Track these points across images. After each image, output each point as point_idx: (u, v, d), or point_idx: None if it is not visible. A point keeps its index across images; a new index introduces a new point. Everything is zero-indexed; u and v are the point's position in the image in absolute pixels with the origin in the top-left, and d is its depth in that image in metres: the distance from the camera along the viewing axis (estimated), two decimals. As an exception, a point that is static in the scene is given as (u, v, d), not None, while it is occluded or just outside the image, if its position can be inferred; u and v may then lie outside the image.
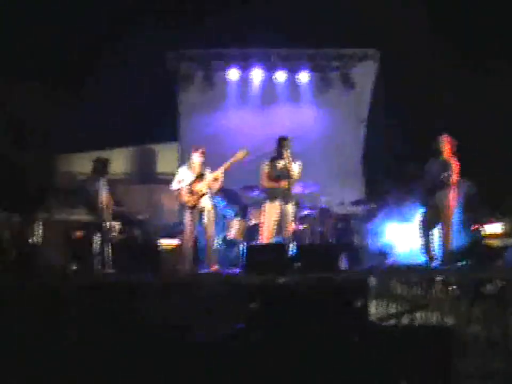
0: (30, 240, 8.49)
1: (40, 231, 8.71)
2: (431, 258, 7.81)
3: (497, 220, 8.61)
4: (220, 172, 8.27)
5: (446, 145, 7.97)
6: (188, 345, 5.09)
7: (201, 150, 8.36)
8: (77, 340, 5.25)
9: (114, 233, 8.74)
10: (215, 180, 8.29)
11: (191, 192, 8.23)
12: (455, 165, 7.80)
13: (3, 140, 11.58)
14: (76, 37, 12.01)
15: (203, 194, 8.24)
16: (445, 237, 7.78)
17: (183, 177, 8.34)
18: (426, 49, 12.15)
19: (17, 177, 11.01)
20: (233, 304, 5.73)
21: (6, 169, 10.84)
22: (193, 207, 8.23)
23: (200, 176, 8.29)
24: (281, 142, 8.21)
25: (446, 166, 7.80)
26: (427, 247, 7.94)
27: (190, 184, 8.24)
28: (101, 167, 8.90)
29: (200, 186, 8.24)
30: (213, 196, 8.67)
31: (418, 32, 12.04)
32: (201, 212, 8.24)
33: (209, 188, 8.29)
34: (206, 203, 8.28)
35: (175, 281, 6.31)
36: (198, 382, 4.90)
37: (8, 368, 4.99)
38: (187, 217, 8.29)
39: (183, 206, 8.45)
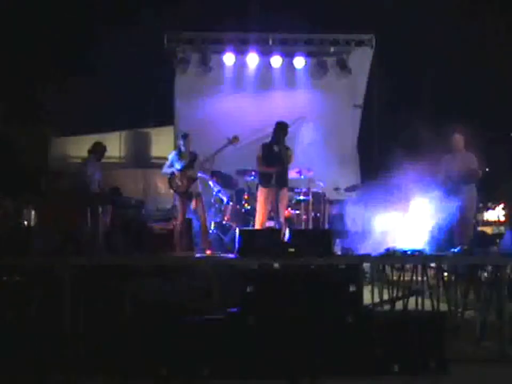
0: (23, 223, 8.47)
1: (34, 214, 8.71)
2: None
3: (491, 208, 8.67)
4: (210, 156, 8.27)
5: (461, 142, 8.55)
6: (181, 326, 5.09)
7: (190, 137, 8.39)
8: (70, 320, 5.27)
9: (108, 217, 8.73)
10: (206, 161, 8.30)
11: (182, 178, 8.22)
12: (475, 159, 8.38)
13: None
14: (73, 17, 11.95)
15: (194, 180, 8.24)
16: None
17: (172, 163, 8.34)
18: (422, 36, 12.18)
19: (11, 159, 10.95)
20: (227, 288, 5.75)
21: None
22: (184, 193, 8.24)
23: (191, 162, 8.28)
24: (279, 126, 8.17)
25: (466, 160, 8.44)
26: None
27: (181, 170, 8.23)
28: (97, 151, 8.89)
29: (190, 172, 8.24)
30: (207, 180, 8.67)
31: (415, 19, 12.07)
32: (191, 197, 8.26)
33: (202, 169, 8.35)
34: (196, 188, 8.29)
35: (168, 265, 6.29)
36: (192, 361, 4.92)
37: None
38: (178, 202, 8.32)
39: (174, 191, 8.45)
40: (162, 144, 13.37)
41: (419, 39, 12.45)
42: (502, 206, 8.68)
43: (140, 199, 10.28)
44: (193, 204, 8.28)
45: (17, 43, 11.76)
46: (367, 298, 6.28)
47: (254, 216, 8.49)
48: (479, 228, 8.41)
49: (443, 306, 6.32)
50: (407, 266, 6.93)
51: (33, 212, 8.41)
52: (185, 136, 8.47)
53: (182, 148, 8.37)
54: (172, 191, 8.50)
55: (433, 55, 12.75)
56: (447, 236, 7.74)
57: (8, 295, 5.44)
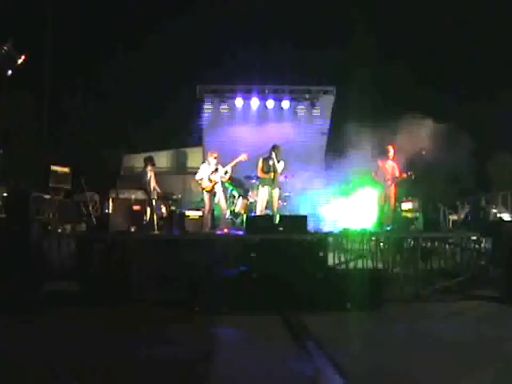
0: (105, 211, 8.52)
1: (111, 205, 8.73)
2: None
3: (410, 200, 8.68)
4: (228, 168, 8.32)
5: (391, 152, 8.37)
6: (209, 280, 5.15)
7: (215, 154, 8.44)
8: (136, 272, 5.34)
9: (159, 207, 8.76)
10: (225, 173, 8.34)
11: (209, 181, 8.27)
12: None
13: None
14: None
15: (216, 183, 8.30)
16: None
17: (203, 171, 8.39)
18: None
19: (98, 169, 11.04)
20: (238, 254, 5.78)
21: (91, 165, 10.93)
22: (210, 191, 8.29)
23: (214, 171, 8.33)
24: (273, 147, 8.22)
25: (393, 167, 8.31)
26: None
27: (208, 176, 8.28)
28: (150, 163, 8.91)
29: (214, 177, 8.29)
30: (224, 183, 8.72)
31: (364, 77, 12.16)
32: (215, 194, 8.31)
33: (221, 178, 8.37)
34: (218, 188, 8.34)
35: (199, 239, 6.34)
36: (216, 300, 4.96)
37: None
38: (206, 197, 8.34)
39: (203, 190, 8.47)
40: (195, 159, 13.48)
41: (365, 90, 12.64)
42: (416, 199, 8.66)
43: (179, 195, 10.33)
44: (216, 198, 8.31)
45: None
46: (330, 260, 6.32)
47: (255, 206, 8.52)
48: (402, 214, 8.40)
49: (380, 265, 6.37)
50: (357, 239, 6.97)
51: (111, 204, 8.44)
52: (213, 155, 8.48)
53: (211, 162, 8.41)
54: (202, 189, 8.51)
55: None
56: (383, 219, 7.80)
57: (96, 255, 5.48)
